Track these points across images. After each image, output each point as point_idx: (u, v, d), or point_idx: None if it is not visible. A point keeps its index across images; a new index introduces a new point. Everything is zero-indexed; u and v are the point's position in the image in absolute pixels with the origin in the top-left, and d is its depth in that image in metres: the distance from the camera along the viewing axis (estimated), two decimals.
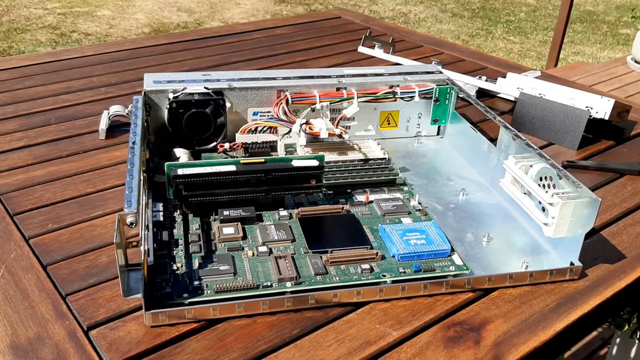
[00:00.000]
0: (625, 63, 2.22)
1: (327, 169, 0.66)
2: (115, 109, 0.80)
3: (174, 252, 0.55)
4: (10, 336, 0.48)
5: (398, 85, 0.77)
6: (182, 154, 0.69)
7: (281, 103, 0.72)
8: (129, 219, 0.47)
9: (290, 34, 1.28)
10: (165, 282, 0.51)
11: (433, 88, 0.78)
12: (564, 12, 2.49)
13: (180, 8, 4.24)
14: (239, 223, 0.58)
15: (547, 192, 0.57)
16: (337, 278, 0.53)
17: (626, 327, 1.07)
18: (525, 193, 0.62)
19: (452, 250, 0.56)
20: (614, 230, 0.65)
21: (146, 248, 0.49)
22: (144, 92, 0.70)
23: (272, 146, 0.72)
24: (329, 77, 0.76)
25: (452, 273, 0.54)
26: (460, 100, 0.80)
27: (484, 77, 1.01)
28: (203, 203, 0.59)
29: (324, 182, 0.64)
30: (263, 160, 0.60)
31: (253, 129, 0.72)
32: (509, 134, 0.67)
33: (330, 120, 0.73)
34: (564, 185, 0.57)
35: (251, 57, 1.13)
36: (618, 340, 1.14)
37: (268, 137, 0.72)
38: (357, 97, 0.74)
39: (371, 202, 0.65)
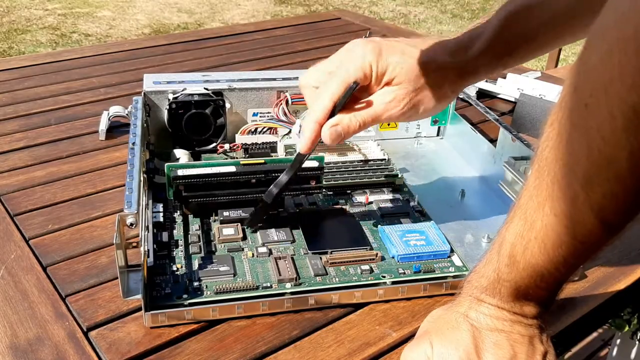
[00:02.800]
0: None
1: (327, 170, 0.66)
2: (115, 109, 0.80)
3: (174, 253, 0.55)
4: (9, 337, 0.48)
5: None
6: (182, 154, 0.69)
7: (281, 104, 0.72)
8: (129, 220, 0.47)
9: (290, 34, 1.28)
10: (165, 283, 0.51)
11: None
12: None
13: (181, 9, 4.25)
14: (239, 224, 0.58)
15: None
16: (337, 279, 0.53)
17: (627, 328, 1.07)
18: None
19: (452, 251, 0.56)
20: None
21: (146, 249, 0.49)
22: (144, 93, 0.70)
23: (272, 147, 0.72)
24: None
25: (451, 274, 0.54)
26: (460, 100, 0.80)
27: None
28: (203, 204, 0.59)
29: (324, 183, 0.64)
30: (263, 161, 0.60)
31: (253, 129, 0.72)
32: (509, 135, 0.67)
33: None
34: None
35: (251, 57, 1.13)
36: (618, 341, 1.14)
37: (268, 138, 0.72)
38: None
39: (371, 203, 0.65)
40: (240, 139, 0.72)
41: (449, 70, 0.53)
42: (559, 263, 0.38)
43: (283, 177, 0.56)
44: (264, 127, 0.72)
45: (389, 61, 0.51)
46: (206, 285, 0.51)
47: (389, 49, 0.52)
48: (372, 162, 0.70)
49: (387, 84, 0.51)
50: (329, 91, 0.51)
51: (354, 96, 0.52)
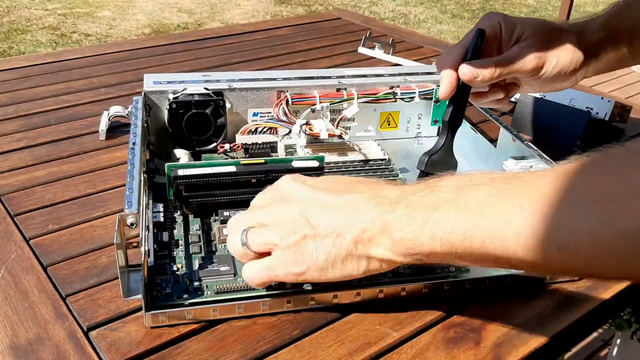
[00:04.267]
0: None
1: (327, 170, 0.66)
2: (115, 109, 0.80)
3: (174, 253, 0.55)
4: (10, 337, 0.48)
5: (398, 86, 0.77)
6: (182, 154, 0.69)
7: (281, 104, 0.72)
8: (130, 220, 0.47)
9: (290, 34, 1.28)
10: (166, 283, 0.51)
11: (433, 89, 0.78)
12: (564, 13, 2.50)
13: (181, 9, 4.25)
14: None
15: None
16: None
17: (627, 328, 1.07)
18: None
19: None
20: None
21: (146, 249, 0.49)
22: (144, 93, 0.70)
23: (273, 147, 0.72)
24: (329, 77, 0.76)
25: (452, 274, 0.54)
26: None
27: None
28: (203, 204, 0.59)
29: None
30: (263, 161, 0.60)
31: (253, 129, 0.72)
32: (509, 135, 0.67)
33: (330, 121, 0.73)
34: None
35: (251, 57, 1.13)
36: (618, 341, 1.14)
37: (268, 137, 0.72)
38: (357, 98, 0.74)
39: None
40: (241, 139, 0.71)
41: (570, 34, 0.57)
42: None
43: (438, 141, 0.63)
44: (264, 127, 0.72)
45: (517, 20, 0.57)
46: (206, 285, 0.51)
47: (514, 16, 0.59)
48: (372, 162, 0.70)
49: (517, 41, 0.56)
50: (460, 42, 0.57)
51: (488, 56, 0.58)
